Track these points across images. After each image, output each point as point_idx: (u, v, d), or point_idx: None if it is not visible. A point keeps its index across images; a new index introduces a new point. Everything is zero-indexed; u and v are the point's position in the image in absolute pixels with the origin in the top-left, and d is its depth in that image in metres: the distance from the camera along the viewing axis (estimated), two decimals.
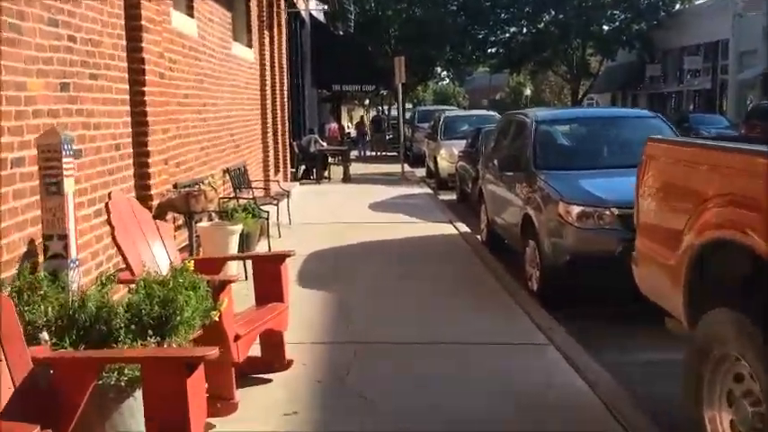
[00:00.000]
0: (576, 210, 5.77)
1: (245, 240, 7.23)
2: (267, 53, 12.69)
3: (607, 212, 5.66)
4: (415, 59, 32.67)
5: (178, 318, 2.80)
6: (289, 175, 15.69)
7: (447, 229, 9.85)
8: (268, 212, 8.12)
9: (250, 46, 11.54)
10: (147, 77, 5.57)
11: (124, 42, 5.37)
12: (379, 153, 28.85)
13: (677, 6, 39.62)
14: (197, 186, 5.89)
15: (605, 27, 40.97)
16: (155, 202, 5.67)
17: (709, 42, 35.76)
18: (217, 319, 3.14)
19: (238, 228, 6.32)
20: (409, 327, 5.34)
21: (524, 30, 42.96)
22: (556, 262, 5.93)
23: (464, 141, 15.57)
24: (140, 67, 5.51)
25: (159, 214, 5.77)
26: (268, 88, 12.67)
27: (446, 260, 7.68)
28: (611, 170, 6.53)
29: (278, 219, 9.28)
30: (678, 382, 3.36)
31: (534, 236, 6.31)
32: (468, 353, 4.79)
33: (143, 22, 5.49)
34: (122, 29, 5.33)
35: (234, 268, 6.27)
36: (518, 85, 65.39)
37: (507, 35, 43.93)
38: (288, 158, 15.63)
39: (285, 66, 15.68)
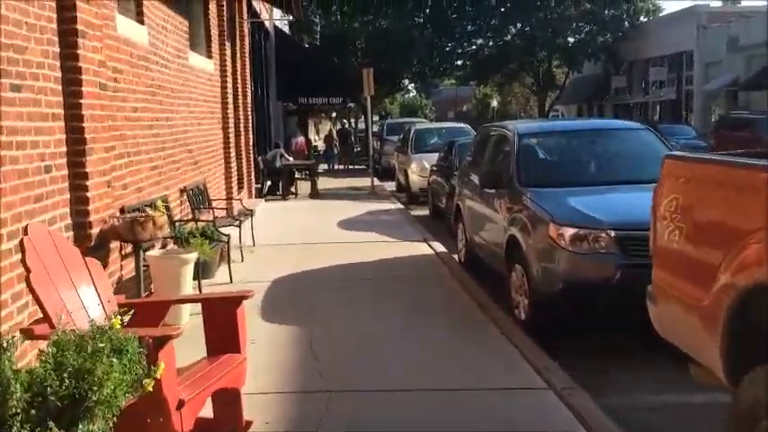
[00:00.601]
0: (568, 232, 5.22)
1: (203, 269, 6.56)
2: (229, 64, 12.03)
3: (603, 235, 5.11)
4: (383, 72, 32.18)
5: (95, 396, 2.15)
6: (254, 192, 14.99)
7: (422, 248, 9.26)
8: (228, 235, 7.44)
9: (210, 57, 10.87)
10: (84, 89, 4.90)
11: (57, 49, 4.69)
12: (346, 166, 28.23)
13: (641, 18, 39.82)
14: (144, 211, 5.19)
15: (571, 39, 41.06)
16: (95, 230, 4.98)
17: (674, 53, 35.97)
18: (151, 389, 2.48)
19: (193, 256, 5.64)
20: (389, 369, 4.72)
21: (491, 42, 42.86)
22: (547, 290, 5.37)
23: (435, 155, 15.07)
24: (76, 77, 4.83)
25: (101, 244, 5.09)
26: (230, 101, 11.99)
27: (424, 286, 7.07)
28: (601, 187, 6.03)
29: (240, 241, 8.60)
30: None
31: (521, 260, 5.75)
32: (457, 401, 4.18)
33: (79, 27, 4.81)
34: (54, 33, 4.65)
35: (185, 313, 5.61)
36: (485, 96, 65.41)
37: (474, 47, 43.82)
38: (252, 174, 14.94)
39: (249, 78, 15.02)
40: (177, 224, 7.28)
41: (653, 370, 4.80)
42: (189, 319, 5.66)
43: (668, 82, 37.24)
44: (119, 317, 2.70)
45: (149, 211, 5.13)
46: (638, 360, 5.06)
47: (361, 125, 48.21)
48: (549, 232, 5.33)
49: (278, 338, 5.36)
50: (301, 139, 24.85)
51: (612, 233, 5.08)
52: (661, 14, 39.70)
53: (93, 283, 3.41)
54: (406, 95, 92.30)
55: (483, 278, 7.39)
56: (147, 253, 5.63)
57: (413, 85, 57.82)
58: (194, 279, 6.10)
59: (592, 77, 43.27)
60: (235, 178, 12.24)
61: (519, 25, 41.34)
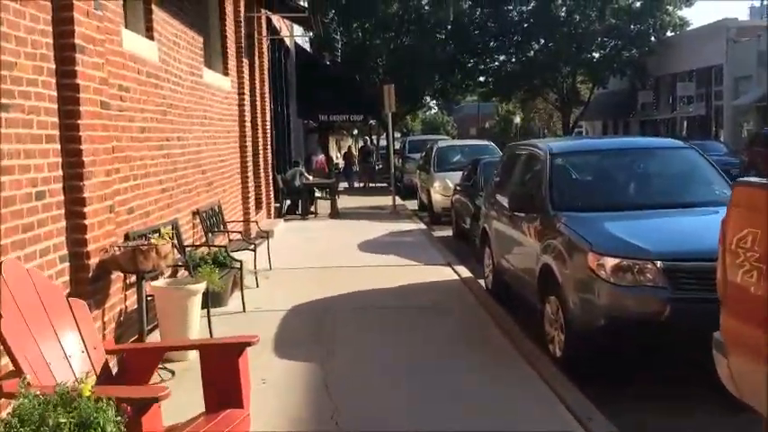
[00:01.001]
0: (610, 262, 4.73)
1: (213, 298, 6.14)
2: (246, 82, 11.71)
3: (650, 266, 4.62)
4: (404, 88, 31.87)
5: None
6: (273, 212, 14.65)
7: (446, 273, 8.79)
8: (241, 261, 7.03)
9: (226, 74, 10.56)
10: (83, 108, 4.53)
11: (52, 65, 4.34)
12: (366, 185, 27.88)
13: (668, 33, 39.15)
14: (148, 239, 4.80)
15: (595, 54, 40.47)
16: (93, 260, 4.59)
17: (703, 68, 35.27)
18: None
19: (200, 287, 5.23)
20: (414, 415, 4.25)
21: (513, 58, 42.43)
22: (585, 326, 4.88)
23: (459, 173, 14.62)
24: (74, 95, 4.47)
25: (101, 275, 4.70)
26: (247, 119, 11.67)
27: (450, 316, 6.60)
28: (643, 212, 5.53)
29: (255, 265, 8.19)
30: None
31: (556, 291, 5.27)
32: None
33: (77, 41, 4.46)
34: (49, 48, 4.30)
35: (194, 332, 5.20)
36: (507, 113, 64.89)
37: (496, 63, 43.42)
38: (272, 194, 14.60)
39: (268, 95, 14.72)
40: (188, 250, 6.90)
41: (707, 415, 4.29)
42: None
43: (696, 97, 36.48)
44: (90, 380, 2.27)
45: (153, 239, 4.73)
46: (691, 404, 4.54)
47: (383, 142, 47.94)
48: (588, 262, 4.85)
49: (291, 379, 4.92)
50: (322, 156, 24.56)
51: (660, 264, 4.59)
52: (688, 29, 38.96)
53: (78, 327, 3.00)
54: (428, 112, 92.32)
55: (512, 306, 6.90)
56: (153, 283, 5.23)
57: (434, 102, 57.61)
58: (203, 307, 5.69)
59: (617, 93, 42.60)
60: (252, 198, 11.88)
61: (542, 41, 40.86)
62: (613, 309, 4.68)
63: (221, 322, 6.35)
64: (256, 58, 13.52)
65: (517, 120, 62.49)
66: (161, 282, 5.28)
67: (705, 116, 35.53)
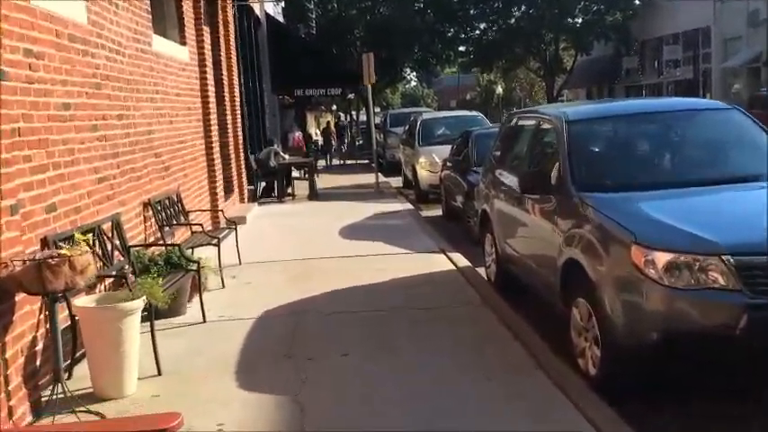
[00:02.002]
0: (662, 258, 3.67)
1: (171, 306, 5.01)
2: (208, 53, 10.47)
3: (716, 262, 3.56)
4: (383, 61, 30.55)
5: None
6: (246, 196, 13.47)
7: (441, 262, 7.72)
8: (198, 262, 5.89)
9: (183, 43, 9.32)
10: None
11: None
12: (343, 161, 26.66)
13: None
14: (58, 251, 3.65)
15: (578, 20, 39.27)
16: None
17: (690, 30, 34.22)
18: None
19: (137, 304, 4.10)
20: None
21: (494, 26, 41.12)
22: (631, 340, 3.82)
23: (446, 147, 13.52)
24: None
25: (1, 297, 3.57)
26: (211, 94, 10.45)
27: (451, 320, 5.53)
28: (689, 189, 4.45)
29: (219, 263, 7.05)
30: None
31: (587, 293, 4.21)
32: None
33: None
34: None
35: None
36: (489, 83, 63.68)
37: (477, 32, 42.12)
38: (244, 176, 13.41)
39: (236, 69, 13.46)
40: (135, 250, 5.75)
41: None
42: (137, 389, 4.15)
43: (683, 61, 35.51)
44: None
45: (64, 248, 3.59)
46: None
47: (362, 117, 46.60)
48: (632, 258, 3.79)
49: (255, 421, 3.83)
50: (299, 134, 23.30)
51: (730, 259, 3.53)
52: None
53: None
54: (407, 85, 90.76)
55: (521, 302, 5.86)
56: (75, 302, 4.10)
57: (414, 74, 56.20)
58: (147, 321, 4.55)
59: (601, 59, 41.51)
60: (220, 182, 10.71)
61: (524, 7, 39.57)
62: (669, 319, 3.62)
63: (174, 338, 5.24)
64: (221, 26, 12.26)
65: (499, 90, 61.31)
66: (86, 300, 4.15)
67: (693, 80, 34.54)
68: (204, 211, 8.93)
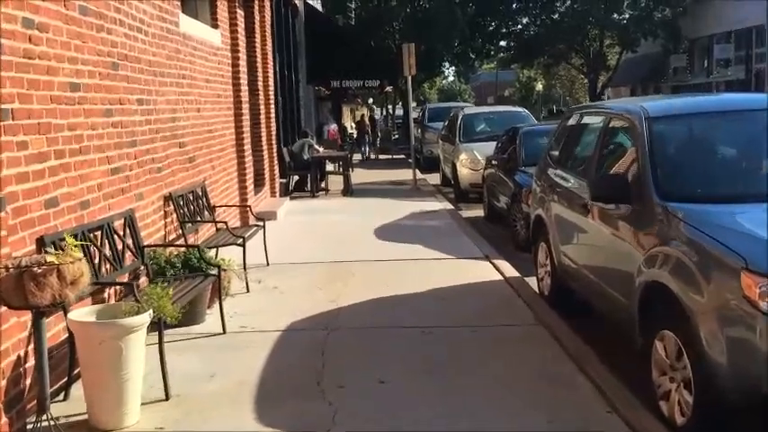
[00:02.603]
0: None
1: (186, 315, 4.41)
2: (242, 37, 9.89)
3: None
4: (422, 55, 29.78)
5: None
6: (278, 189, 12.91)
7: (485, 270, 7.03)
8: (219, 266, 5.28)
9: (215, 26, 8.75)
10: None
11: None
12: (376, 156, 25.95)
13: None
14: (46, 258, 3.06)
15: (626, 15, 37.94)
16: None
17: (742, 29, 32.80)
18: None
19: (142, 319, 3.50)
20: None
21: (538, 20, 40.00)
22: (738, 387, 3.10)
23: (489, 144, 12.78)
24: None
25: None
26: (243, 82, 9.87)
27: (501, 340, 4.85)
28: None
29: (244, 264, 6.44)
30: None
31: (678, 325, 3.49)
32: None
33: None
34: None
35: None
36: (528, 80, 62.42)
37: (519, 27, 41.05)
38: (276, 169, 12.84)
39: (271, 56, 12.89)
40: (150, 251, 5.17)
41: None
42: (139, 417, 3.55)
43: (735, 60, 34.05)
44: None
45: (51, 254, 3.00)
46: None
47: (399, 111, 45.83)
48: (743, 287, 3.06)
49: None
50: (334, 126, 22.67)
51: None
52: None
53: None
54: (444, 81, 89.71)
55: (582, 323, 5.15)
56: (70, 315, 3.52)
57: (453, 69, 55.19)
58: (153, 331, 3.95)
59: (647, 57, 40.15)
60: (250, 176, 10.14)
61: (568, 1, 38.39)
62: None
63: (188, 353, 4.65)
64: (256, 11, 11.68)
65: (539, 87, 60.04)
66: (83, 312, 3.56)
67: (745, 80, 33.14)
68: (231, 206, 8.34)
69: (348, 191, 14.21)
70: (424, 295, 6.13)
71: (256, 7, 11.71)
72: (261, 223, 7.47)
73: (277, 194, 12.79)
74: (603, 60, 41.02)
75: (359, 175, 17.57)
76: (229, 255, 6.18)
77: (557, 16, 39.27)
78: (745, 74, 33.00)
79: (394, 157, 25.27)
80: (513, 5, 39.57)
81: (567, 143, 5.87)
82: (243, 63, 9.87)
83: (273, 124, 12.78)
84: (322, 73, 21.40)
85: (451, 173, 14.52)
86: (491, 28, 39.84)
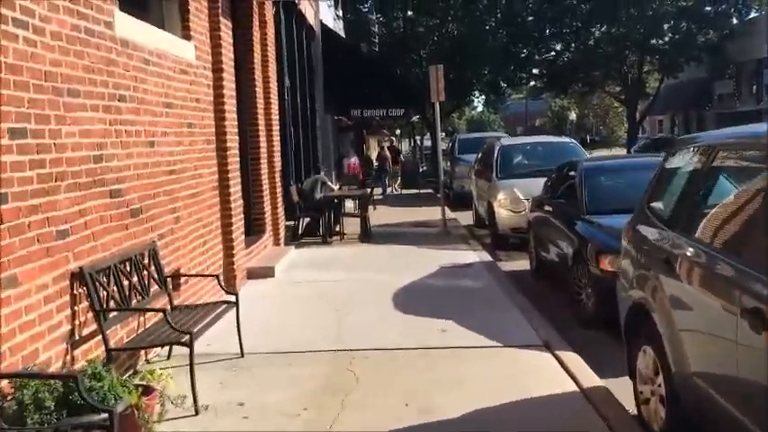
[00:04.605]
0: None
1: None
2: (228, 53, 7.96)
3: None
4: (451, 83, 27.89)
5: None
6: (283, 236, 10.91)
7: (549, 371, 4.88)
8: (110, 410, 3.20)
9: (188, 38, 6.83)
10: None
11: None
12: (399, 190, 23.82)
13: (753, 13, 34.27)
14: None
15: (666, 39, 35.67)
16: None
17: None
18: None
19: None
20: None
21: (572, 46, 37.92)
22: None
23: (532, 181, 10.71)
24: None
25: None
26: (230, 109, 7.91)
27: None
28: None
29: (192, 377, 4.35)
30: None
31: None
32: None
33: None
34: None
35: None
36: (561, 109, 60.28)
37: (553, 53, 39.02)
38: (281, 212, 10.86)
39: (276, 80, 10.99)
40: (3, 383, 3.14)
41: None
42: None
43: None
44: None
45: None
46: None
47: (427, 143, 43.79)
48: None
49: None
50: (355, 159, 20.68)
51: None
52: None
53: None
54: (473, 111, 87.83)
55: None
56: None
57: (482, 98, 53.20)
58: None
59: (690, 83, 37.79)
60: (239, 224, 8.12)
61: (605, 26, 36.29)
62: None
63: None
64: (255, 25, 9.82)
65: (572, 116, 57.83)
66: None
67: None
68: (192, 276, 6.22)
69: (366, 235, 12.16)
70: (460, 422, 3.99)
71: (255, 22, 9.86)
72: (232, 300, 5.39)
73: (281, 242, 10.79)
74: (642, 87, 38.72)
75: (380, 215, 15.54)
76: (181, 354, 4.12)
77: (592, 42, 37.19)
78: None
79: (421, 191, 23.21)
80: (547, 31, 37.65)
81: (688, 194, 3.73)
82: (229, 85, 7.94)
83: (278, 159, 10.84)
84: (341, 101, 19.56)
85: (487, 213, 12.40)
86: (523, 55, 37.93)
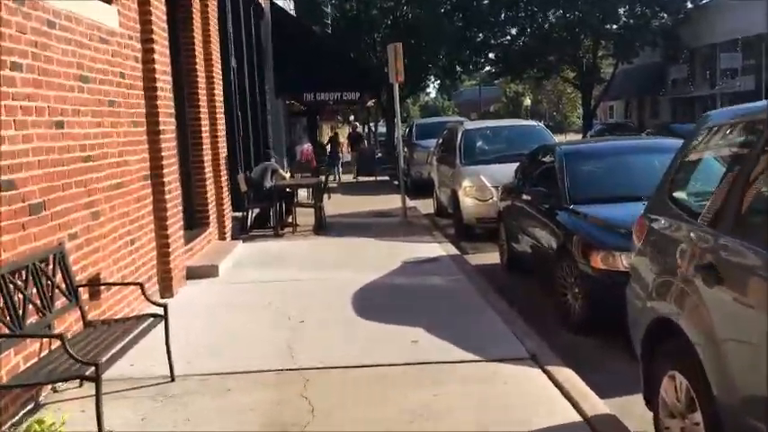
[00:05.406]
0: None
1: None
2: (160, 24, 6.94)
3: None
4: (405, 67, 27.02)
5: None
6: (230, 229, 9.94)
7: (543, 394, 4.10)
8: None
9: (109, 1, 5.80)
10: None
11: None
12: (356, 177, 22.95)
13: None
14: None
15: (621, 24, 35.40)
16: None
17: (750, 36, 30.44)
18: None
19: None
20: None
21: (528, 30, 37.42)
22: None
23: (500, 167, 10.01)
24: None
25: None
26: (163, 87, 6.90)
27: None
28: None
29: (99, 416, 3.43)
30: None
31: None
32: None
33: None
34: None
35: None
36: (516, 95, 60.05)
37: (508, 38, 38.49)
38: (227, 202, 9.88)
39: (219, 57, 9.97)
40: None
41: None
42: None
43: (742, 70, 31.65)
44: None
45: None
46: None
47: (381, 129, 42.85)
48: None
49: None
50: (308, 146, 19.69)
51: None
52: None
53: None
54: (427, 97, 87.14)
55: None
56: None
57: (437, 83, 52.45)
58: None
59: (645, 68, 37.77)
60: (177, 218, 7.14)
61: (560, 11, 35.87)
62: None
63: None
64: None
65: (527, 102, 57.63)
66: None
67: (755, 92, 30.71)
68: (109, 284, 5.23)
69: (321, 227, 11.26)
70: None
71: None
72: (159, 313, 4.44)
73: (228, 236, 9.82)
74: (597, 72, 38.51)
75: (336, 203, 14.63)
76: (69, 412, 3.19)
77: (547, 26, 36.76)
78: (755, 85, 30.58)
79: (378, 178, 22.35)
80: (502, 15, 37.06)
81: (736, 184, 2.93)
82: (162, 60, 6.92)
83: (223, 145, 9.84)
84: (294, 85, 18.49)
85: (450, 202, 11.62)
86: (479, 39, 37.29)
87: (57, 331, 4.30)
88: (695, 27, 32.92)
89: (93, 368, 3.26)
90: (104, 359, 3.41)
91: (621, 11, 34.47)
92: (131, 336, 3.96)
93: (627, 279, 4.98)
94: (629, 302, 3.60)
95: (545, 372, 4.38)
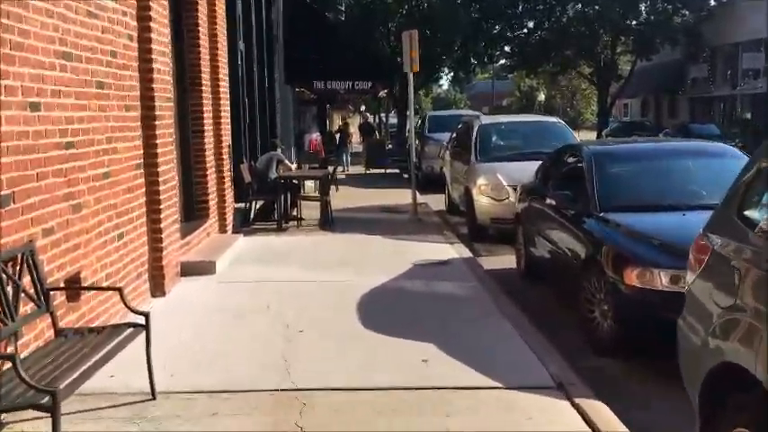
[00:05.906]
0: None
1: None
2: (159, 3, 6.41)
3: None
4: (419, 58, 26.34)
5: None
6: (231, 221, 9.44)
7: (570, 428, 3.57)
8: None
9: None
10: None
11: None
12: (367, 169, 22.37)
13: None
14: None
15: (642, 20, 34.59)
16: None
17: None
18: None
19: None
20: None
21: (546, 23, 36.64)
22: None
23: (517, 165, 9.49)
24: None
25: None
26: (161, 68, 6.38)
27: None
28: None
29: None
30: None
31: None
32: None
33: None
34: None
35: None
36: (530, 89, 59.20)
37: (525, 31, 37.74)
38: (229, 193, 9.38)
39: (225, 41, 9.44)
40: None
41: None
42: None
43: (765, 71, 30.90)
44: None
45: None
46: None
47: (393, 120, 42.17)
48: None
49: None
50: (316, 135, 19.16)
51: None
52: None
53: None
54: (439, 89, 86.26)
55: None
56: None
57: (450, 75, 51.73)
58: None
59: (663, 66, 36.97)
60: (172, 210, 6.64)
61: (579, 5, 35.09)
62: None
63: None
64: None
65: (541, 97, 56.78)
66: None
67: None
68: (86, 288, 4.69)
69: (327, 222, 10.73)
70: None
71: None
72: (141, 322, 3.94)
73: (229, 228, 9.33)
74: (615, 69, 37.72)
75: (344, 196, 14.11)
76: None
77: (565, 20, 35.98)
78: None
79: (387, 171, 21.78)
80: (519, 8, 36.31)
81: None
82: (161, 39, 6.41)
83: (226, 133, 9.33)
84: (304, 72, 17.99)
85: (463, 200, 11.07)
86: (495, 31, 36.57)
87: (25, 339, 3.82)
88: (718, 24, 32.13)
89: (48, 397, 2.75)
90: (64, 384, 2.91)
91: (642, 6, 33.67)
92: (104, 351, 3.46)
93: (664, 299, 4.51)
94: (683, 336, 3.06)
95: (573, 405, 3.86)
